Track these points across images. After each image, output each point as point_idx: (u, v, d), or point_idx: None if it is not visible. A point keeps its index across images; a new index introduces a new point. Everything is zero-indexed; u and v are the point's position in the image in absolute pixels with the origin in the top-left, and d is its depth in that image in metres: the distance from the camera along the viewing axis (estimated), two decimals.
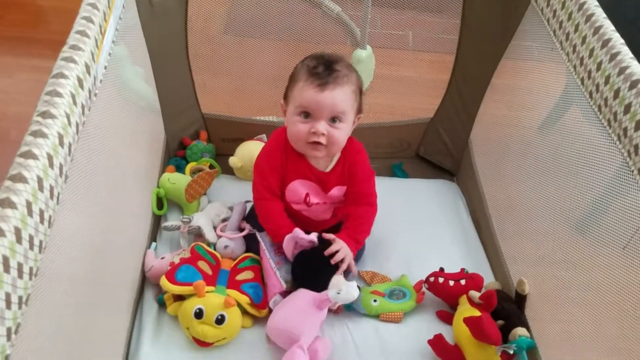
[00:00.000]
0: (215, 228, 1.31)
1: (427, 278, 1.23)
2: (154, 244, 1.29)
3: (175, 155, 1.57)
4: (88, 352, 0.91)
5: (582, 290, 1.01)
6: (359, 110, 1.16)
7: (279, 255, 1.21)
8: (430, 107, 1.61)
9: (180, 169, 1.49)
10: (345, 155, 1.20)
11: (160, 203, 1.39)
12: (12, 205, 0.62)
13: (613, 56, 0.91)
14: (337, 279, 1.12)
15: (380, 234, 1.37)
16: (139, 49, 1.27)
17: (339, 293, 1.09)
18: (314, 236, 1.16)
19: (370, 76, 1.87)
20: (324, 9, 1.90)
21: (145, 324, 1.14)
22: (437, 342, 1.12)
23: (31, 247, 0.64)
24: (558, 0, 1.08)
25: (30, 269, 0.64)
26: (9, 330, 0.59)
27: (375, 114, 1.69)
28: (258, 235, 1.25)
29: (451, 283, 1.20)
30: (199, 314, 1.08)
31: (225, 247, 1.26)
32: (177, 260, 1.18)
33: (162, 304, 1.18)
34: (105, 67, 0.96)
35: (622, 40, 0.93)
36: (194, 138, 1.59)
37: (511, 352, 1.07)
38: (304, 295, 1.13)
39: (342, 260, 1.16)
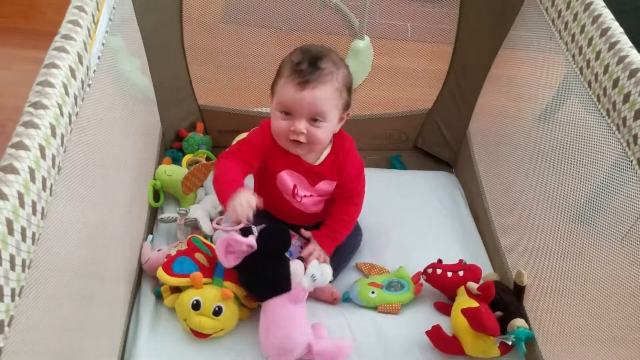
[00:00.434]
0: (211, 220, 1.31)
1: (425, 269, 1.22)
2: (150, 236, 1.29)
3: (172, 147, 1.57)
4: (85, 344, 0.91)
5: (580, 282, 1.00)
6: (347, 107, 1.13)
7: None
8: (428, 98, 1.60)
9: (176, 160, 1.49)
10: (337, 151, 1.18)
11: (156, 195, 1.38)
12: (3, 196, 0.61)
13: (612, 45, 0.90)
14: (309, 267, 1.09)
15: (379, 225, 1.37)
16: (134, 39, 1.26)
17: (314, 280, 1.06)
18: (252, 239, 1.06)
19: (368, 67, 1.86)
20: None
21: (142, 316, 1.14)
22: (435, 333, 1.11)
23: (24, 239, 0.63)
24: None
25: (23, 261, 0.63)
26: (1, 322, 0.58)
27: (373, 105, 1.68)
28: (254, 228, 1.24)
29: (449, 274, 1.20)
30: (196, 306, 1.07)
31: None
32: (173, 253, 1.17)
33: (159, 296, 1.17)
34: (99, 58, 0.95)
35: (621, 30, 0.93)
36: (190, 130, 1.58)
37: (509, 343, 1.07)
38: (274, 304, 1.07)
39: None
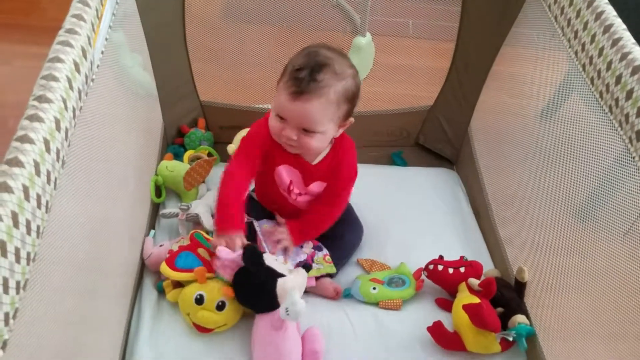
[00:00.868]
0: (213, 216, 1.31)
1: (427, 266, 1.23)
2: (152, 231, 1.29)
3: (174, 142, 1.57)
4: (87, 338, 0.91)
5: (581, 278, 1.01)
6: (347, 116, 1.11)
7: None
8: (430, 95, 1.60)
9: (178, 156, 1.49)
10: (335, 153, 1.18)
11: (158, 191, 1.38)
12: (8, 189, 0.61)
13: (615, 42, 0.90)
14: (279, 292, 1.04)
15: (380, 222, 1.37)
16: (137, 35, 1.26)
17: (287, 313, 1.00)
18: (234, 254, 1.06)
19: (370, 64, 1.86)
20: None
21: (145, 310, 1.14)
22: (436, 329, 1.12)
23: (28, 231, 0.64)
24: None
25: (28, 253, 0.64)
26: (6, 315, 0.59)
27: (375, 102, 1.68)
28: (255, 224, 1.24)
29: (450, 271, 1.20)
30: (199, 300, 1.07)
31: None
32: (175, 248, 1.17)
33: (161, 291, 1.18)
34: (102, 52, 0.95)
35: (624, 26, 0.93)
36: (192, 126, 1.58)
37: (510, 339, 1.08)
38: (263, 325, 1.06)
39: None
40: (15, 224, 0.61)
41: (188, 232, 1.27)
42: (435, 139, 1.65)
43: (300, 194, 1.21)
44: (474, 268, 1.21)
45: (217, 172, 1.44)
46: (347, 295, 1.22)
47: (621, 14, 0.96)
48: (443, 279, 1.21)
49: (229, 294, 1.08)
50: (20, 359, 0.64)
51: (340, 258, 1.26)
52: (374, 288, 1.20)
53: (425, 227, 1.39)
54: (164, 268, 1.10)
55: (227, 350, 1.10)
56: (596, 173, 0.97)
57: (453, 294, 1.20)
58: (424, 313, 1.19)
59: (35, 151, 0.66)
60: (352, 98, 1.08)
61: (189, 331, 1.11)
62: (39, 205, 0.66)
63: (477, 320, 1.06)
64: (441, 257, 1.24)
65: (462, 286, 1.18)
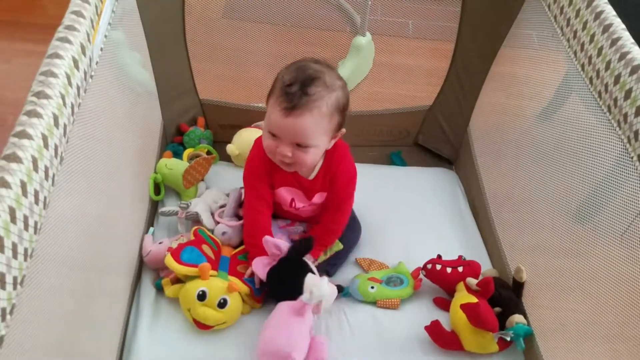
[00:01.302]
0: (212, 214, 1.31)
1: (425, 265, 1.23)
2: (151, 228, 1.29)
3: (173, 141, 1.57)
4: (85, 336, 0.91)
5: (579, 278, 1.01)
6: (339, 128, 1.10)
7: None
8: (429, 95, 1.60)
9: (177, 154, 1.49)
10: (329, 163, 1.18)
11: (157, 188, 1.38)
12: (6, 184, 0.61)
13: (614, 41, 0.90)
14: (307, 282, 1.09)
15: (378, 221, 1.37)
16: (136, 33, 1.26)
17: (312, 294, 1.04)
18: (281, 242, 1.13)
19: (370, 63, 1.87)
20: None
21: (143, 308, 1.14)
22: (434, 328, 1.12)
23: (26, 227, 0.64)
24: None
25: (25, 249, 0.64)
26: (3, 310, 0.59)
27: (374, 101, 1.69)
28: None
29: (449, 270, 1.20)
30: (202, 296, 1.08)
31: (223, 233, 1.25)
32: (175, 246, 1.17)
33: (159, 289, 1.18)
34: (102, 49, 0.95)
35: (624, 26, 0.93)
36: (191, 124, 1.58)
37: (508, 339, 1.08)
38: (282, 308, 1.09)
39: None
40: (13, 219, 0.61)
41: (187, 230, 1.27)
42: (435, 139, 1.65)
43: (304, 206, 1.23)
44: (472, 268, 1.21)
45: (216, 170, 1.46)
46: (346, 294, 1.22)
47: (620, 13, 0.96)
48: (441, 278, 1.21)
49: (232, 290, 1.08)
50: (17, 356, 0.63)
51: (339, 257, 1.26)
52: (372, 287, 1.20)
53: (423, 226, 1.39)
54: (169, 260, 1.10)
55: (225, 349, 1.10)
56: (595, 173, 0.96)
57: (451, 293, 1.20)
58: (422, 312, 1.19)
59: (33, 147, 0.66)
60: (343, 109, 1.08)
61: (187, 329, 1.11)
62: (36, 201, 0.66)
63: (474, 319, 1.06)
64: (439, 256, 1.24)
65: (460, 286, 1.18)
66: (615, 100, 0.88)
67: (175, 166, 1.37)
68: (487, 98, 1.47)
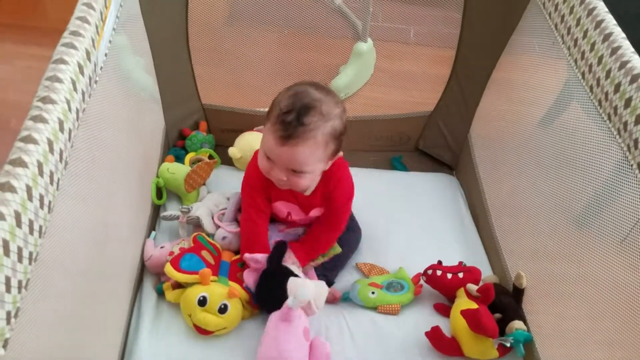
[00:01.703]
0: (213, 217, 1.32)
1: (425, 271, 1.23)
2: (153, 232, 1.30)
3: (175, 145, 1.57)
4: (86, 340, 0.91)
5: (578, 285, 1.01)
6: (335, 154, 1.11)
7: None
8: (430, 101, 1.61)
9: (179, 159, 1.49)
10: (327, 181, 1.18)
11: (159, 193, 1.39)
12: (12, 189, 0.62)
13: (614, 50, 0.91)
14: (289, 286, 1.09)
15: (379, 226, 1.38)
16: (140, 38, 1.27)
17: (294, 299, 1.05)
18: (260, 256, 1.14)
19: (371, 69, 1.87)
20: (326, 1, 1.90)
21: (144, 312, 1.15)
22: (434, 334, 1.12)
23: (31, 231, 0.64)
24: None
25: (30, 253, 0.64)
26: (8, 314, 0.59)
27: (376, 106, 1.69)
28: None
29: (449, 276, 1.20)
30: (202, 302, 1.08)
31: (223, 238, 1.26)
32: (176, 250, 1.18)
33: (160, 293, 1.18)
34: (106, 55, 0.96)
35: (624, 35, 0.93)
36: (193, 128, 1.59)
37: (508, 344, 1.08)
38: (271, 319, 1.09)
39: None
40: (18, 223, 0.61)
41: (188, 234, 1.28)
42: (435, 144, 1.66)
43: (301, 219, 1.24)
44: (472, 274, 1.22)
45: (218, 175, 1.47)
46: (346, 299, 1.22)
47: (620, 22, 0.97)
48: (441, 284, 1.21)
49: (233, 295, 1.08)
50: (21, 358, 0.64)
51: (339, 262, 1.26)
52: (373, 292, 1.20)
53: (424, 232, 1.40)
54: (169, 269, 1.10)
55: (226, 354, 1.10)
56: (595, 180, 0.97)
57: (451, 299, 1.21)
58: (422, 318, 1.19)
59: (38, 152, 0.67)
60: (339, 135, 1.08)
61: (188, 333, 1.12)
62: (41, 206, 0.67)
63: (475, 325, 1.07)
64: (440, 262, 1.24)
65: (461, 292, 1.18)
66: (615, 108, 0.88)
67: (177, 170, 1.38)
68: (487, 104, 1.48)
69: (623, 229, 0.89)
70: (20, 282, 0.62)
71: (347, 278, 1.28)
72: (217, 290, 1.10)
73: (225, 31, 1.65)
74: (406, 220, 1.42)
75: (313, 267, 1.23)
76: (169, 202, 1.40)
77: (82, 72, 0.81)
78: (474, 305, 1.11)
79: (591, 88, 0.96)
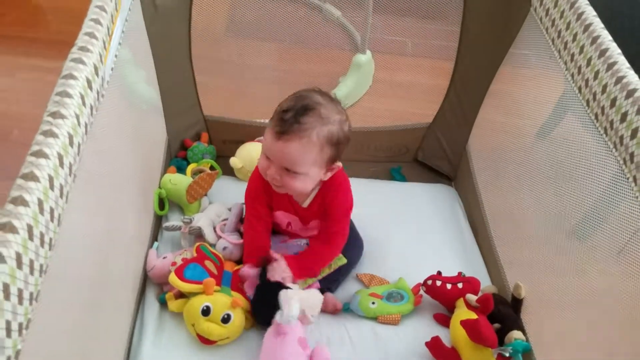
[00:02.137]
0: (214, 228, 1.33)
1: (425, 281, 1.24)
2: (155, 243, 1.31)
3: (177, 156, 1.59)
4: (91, 350, 0.92)
5: (577, 295, 1.02)
6: (332, 161, 1.10)
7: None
8: (429, 113, 1.63)
9: (181, 170, 1.51)
10: (324, 193, 1.19)
11: (161, 203, 1.40)
12: (24, 203, 0.63)
13: (610, 66, 0.93)
14: (280, 299, 1.09)
15: (379, 236, 1.39)
16: (143, 50, 1.29)
17: (281, 315, 1.06)
18: (251, 270, 1.17)
19: (370, 80, 1.90)
20: (325, 14, 1.93)
21: (147, 323, 1.15)
22: (434, 344, 1.13)
23: (42, 244, 0.66)
24: (557, 9, 1.10)
25: (41, 265, 0.65)
26: (20, 325, 0.60)
27: (375, 117, 1.71)
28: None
29: (448, 286, 1.22)
30: (206, 311, 1.09)
31: (224, 248, 1.27)
32: (179, 261, 1.19)
33: (163, 303, 1.19)
34: (112, 69, 0.98)
35: (619, 50, 0.95)
36: (195, 139, 1.60)
37: (507, 354, 1.09)
38: (266, 334, 1.10)
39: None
40: (30, 237, 0.63)
41: (190, 244, 1.29)
42: (434, 155, 1.68)
43: (301, 229, 1.26)
44: (471, 284, 1.23)
45: (219, 185, 1.48)
46: (347, 309, 1.23)
47: (616, 38, 0.99)
48: (441, 294, 1.22)
49: (236, 305, 1.09)
50: None
51: (341, 273, 1.27)
52: (373, 303, 1.21)
53: (423, 242, 1.41)
54: (173, 278, 1.11)
55: None
56: (592, 193, 0.99)
57: (451, 309, 1.22)
58: (422, 328, 1.20)
59: (49, 166, 0.69)
60: (337, 143, 1.08)
61: (191, 344, 1.12)
62: (52, 219, 0.68)
63: (474, 335, 1.08)
64: (439, 272, 1.25)
65: (460, 302, 1.20)
66: (612, 122, 0.90)
67: (179, 182, 1.39)
68: (485, 116, 1.49)
69: (620, 240, 0.90)
70: (31, 294, 0.63)
71: (347, 288, 1.29)
72: (221, 300, 1.11)
73: (227, 42, 1.67)
74: (405, 230, 1.43)
75: (316, 280, 1.24)
76: (171, 213, 1.41)
77: (90, 87, 0.83)
78: (473, 316, 1.12)
79: (587, 102, 0.98)
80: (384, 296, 1.23)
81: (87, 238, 0.88)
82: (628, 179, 0.86)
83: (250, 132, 1.56)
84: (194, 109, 1.56)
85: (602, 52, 0.96)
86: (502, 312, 1.17)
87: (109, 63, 0.94)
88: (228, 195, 1.44)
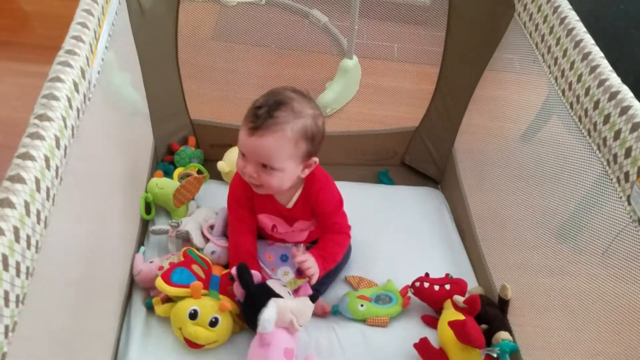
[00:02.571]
0: (202, 234, 1.32)
1: (413, 283, 1.25)
2: (142, 247, 1.30)
3: (164, 160, 1.58)
4: (76, 355, 0.91)
5: (562, 296, 1.04)
6: (308, 156, 1.10)
7: (270, 261, 1.24)
8: (415, 117, 1.64)
9: (168, 174, 1.50)
10: (307, 193, 1.19)
11: (148, 208, 1.39)
12: (11, 205, 0.63)
13: (593, 69, 0.95)
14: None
15: (367, 239, 1.39)
16: (129, 54, 1.28)
17: (259, 323, 1.04)
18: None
19: (357, 85, 1.91)
20: (312, 19, 1.94)
21: (134, 327, 1.15)
22: (422, 346, 1.14)
23: (28, 246, 0.65)
24: (540, 14, 1.12)
25: (27, 268, 0.65)
26: (6, 328, 0.60)
27: (362, 122, 1.72)
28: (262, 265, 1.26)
29: (436, 288, 1.22)
30: (193, 315, 1.08)
31: (212, 252, 1.27)
32: (166, 265, 1.18)
33: (150, 308, 1.18)
34: (99, 72, 0.98)
35: (602, 54, 0.97)
36: (182, 143, 1.60)
37: (494, 355, 1.09)
38: (252, 342, 1.09)
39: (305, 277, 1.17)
40: (17, 238, 0.62)
41: (177, 249, 1.28)
42: (421, 159, 1.69)
43: (287, 232, 1.25)
44: (458, 285, 1.24)
45: (207, 190, 1.47)
46: (335, 312, 1.24)
47: (598, 41, 1.00)
48: (429, 296, 1.23)
49: (224, 309, 1.09)
50: None
51: (329, 276, 1.28)
52: (362, 305, 1.22)
53: (411, 245, 1.42)
54: (160, 282, 1.11)
55: None
56: (576, 194, 1.00)
57: (439, 311, 1.23)
58: (411, 329, 1.21)
59: (36, 168, 0.68)
60: (311, 137, 1.08)
61: (177, 348, 1.12)
62: (38, 221, 0.68)
63: (462, 336, 1.08)
64: (427, 274, 1.26)
65: (448, 303, 1.20)
66: (595, 124, 0.92)
67: (166, 185, 1.38)
68: (471, 120, 1.51)
69: (604, 241, 0.92)
70: (17, 296, 0.62)
71: (336, 291, 1.29)
72: (208, 303, 1.10)
73: (214, 46, 1.67)
74: (393, 233, 1.44)
75: (307, 281, 1.24)
76: (158, 217, 1.40)
77: (77, 90, 0.83)
78: (460, 317, 1.13)
79: (571, 105, 1.00)
80: (372, 298, 1.24)
81: (73, 241, 0.88)
82: (612, 179, 0.88)
83: (237, 136, 1.55)
84: (181, 113, 1.56)
85: (585, 56, 0.97)
86: (489, 313, 1.18)
87: (95, 66, 0.94)
88: (215, 200, 1.43)
